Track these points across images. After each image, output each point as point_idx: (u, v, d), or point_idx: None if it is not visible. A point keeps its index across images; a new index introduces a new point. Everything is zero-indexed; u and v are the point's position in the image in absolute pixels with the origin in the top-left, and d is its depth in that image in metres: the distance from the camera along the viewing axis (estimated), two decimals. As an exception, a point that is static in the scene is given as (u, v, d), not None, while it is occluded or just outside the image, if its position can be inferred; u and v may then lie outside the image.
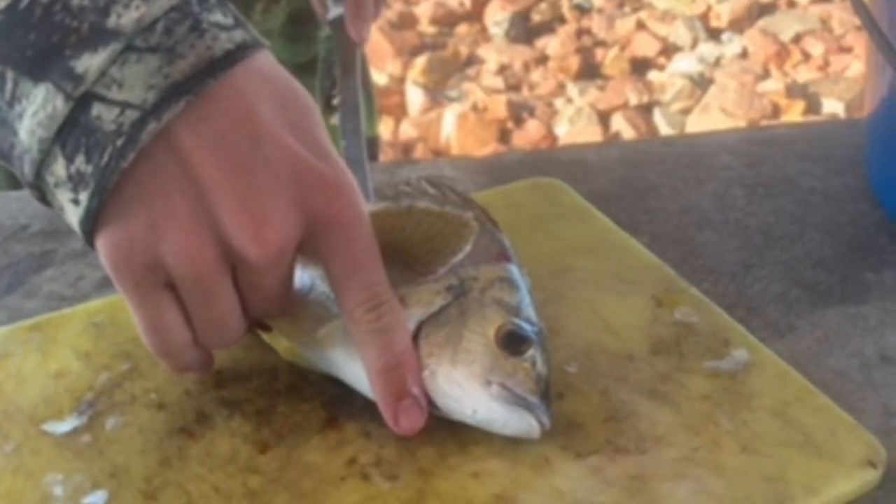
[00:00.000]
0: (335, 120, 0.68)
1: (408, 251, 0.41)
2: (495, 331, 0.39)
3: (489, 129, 2.26)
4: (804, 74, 2.41)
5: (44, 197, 0.36)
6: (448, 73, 2.46)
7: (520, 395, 0.38)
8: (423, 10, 2.69)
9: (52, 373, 0.42)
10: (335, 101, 0.68)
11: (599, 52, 2.53)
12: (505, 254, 0.43)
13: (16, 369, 0.43)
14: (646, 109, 2.33)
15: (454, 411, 0.38)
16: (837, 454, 0.39)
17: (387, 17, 2.63)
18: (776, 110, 2.27)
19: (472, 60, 2.52)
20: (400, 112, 2.35)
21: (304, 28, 0.71)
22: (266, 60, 0.36)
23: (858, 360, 0.46)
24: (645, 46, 2.54)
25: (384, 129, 2.26)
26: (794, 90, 2.34)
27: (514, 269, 0.42)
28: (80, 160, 0.33)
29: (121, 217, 0.34)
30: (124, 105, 0.33)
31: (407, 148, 2.24)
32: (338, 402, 0.41)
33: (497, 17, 2.63)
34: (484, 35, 2.62)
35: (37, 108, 0.33)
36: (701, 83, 2.38)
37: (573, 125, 2.27)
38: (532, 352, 0.39)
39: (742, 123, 2.19)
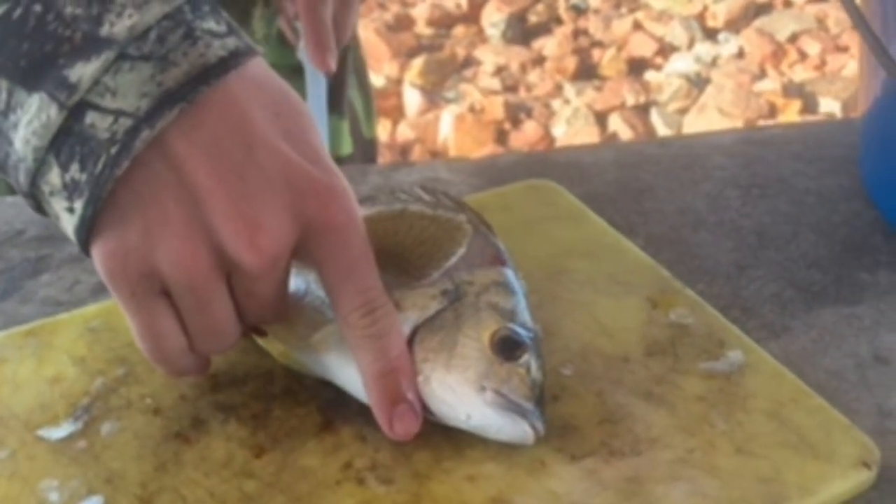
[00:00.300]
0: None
1: (401, 255, 0.41)
2: (490, 336, 0.39)
3: (486, 130, 2.26)
4: (801, 74, 2.41)
5: (39, 206, 0.36)
6: (445, 74, 2.47)
7: (514, 401, 0.38)
8: (420, 12, 2.70)
9: (48, 378, 0.42)
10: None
11: (596, 53, 2.54)
12: (500, 257, 0.43)
13: (11, 375, 0.43)
14: (643, 110, 2.33)
15: (448, 417, 0.38)
16: (832, 455, 0.39)
17: (384, 19, 2.63)
18: (773, 110, 2.28)
19: (469, 62, 2.52)
20: (397, 114, 2.35)
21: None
22: (259, 67, 0.36)
23: (853, 360, 0.46)
24: (641, 47, 2.54)
25: (382, 130, 2.26)
26: (791, 90, 2.34)
27: (509, 273, 0.42)
28: (74, 168, 0.33)
29: (116, 225, 0.34)
30: (118, 113, 0.33)
31: (404, 149, 2.24)
32: (333, 406, 0.41)
33: (493, 19, 2.63)
34: (481, 36, 2.62)
35: (31, 118, 0.33)
36: (698, 83, 2.39)
37: (570, 126, 2.27)
38: (527, 357, 0.39)
39: (739, 123, 2.19)
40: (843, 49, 2.47)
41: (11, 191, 0.62)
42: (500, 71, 2.47)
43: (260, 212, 0.34)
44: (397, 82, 2.43)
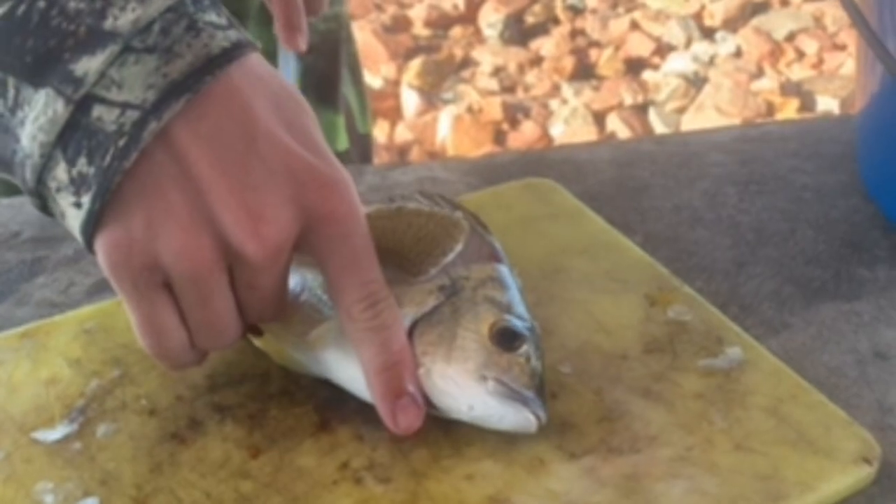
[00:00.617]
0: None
1: (399, 252, 0.41)
2: (489, 327, 0.39)
3: (485, 130, 2.26)
4: (798, 73, 2.41)
5: (45, 205, 0.36)
6: (443, 75, 2.47)
7: (515, 390, 0.38)
8: (417, 13, 2.70)
9: (44, 380, 0.42)
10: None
11: (594, 53, 2.54)
12: (496, 254, 0.43)
13: (7, 377, 0.42)
14: (641, 109, 2.33)
15: (450, 408, 0.38)
16: (832, 451, 0.39)
17: (381, 20, 2.63)
18: (771, 109, 2.28)
19: (467, 62, 2.52)
20: (395, 115, 2.35)
21: None
22: (259, 61, 0.36)
23: (852, 356, 0.46)
24: (639, 46, 2.54)
25: (380, 132, 2.26)
26: (789, 88, 2.34)
27: (504, 270, 0.42)
28: (81, 163, 0.33)
29: (120, 217, 0.34)
30: (125, 106, 0.33)
31: (403, 151, 2.24)
32: (330, 406, 0.41)
33: (491, 19, 2.63)
34: (478, 37, 2.62)
35: (38, 114, 0.33)
36: (695, 82, 2.39)
37: (568, 126, 2.27)
38: (526, 347, 0.39)
39: (737, 122, 2.19)
40: (841, 47, 2.47)
41: (7, 193, 0.62)
42: (497, 71, 2.47)
43: (263, 202, 0.34)
44: (395, 84, 2.43)
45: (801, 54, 2.48)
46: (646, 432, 0.40)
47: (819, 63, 2.45)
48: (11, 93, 0.33)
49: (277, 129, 0.35)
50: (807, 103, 2.30)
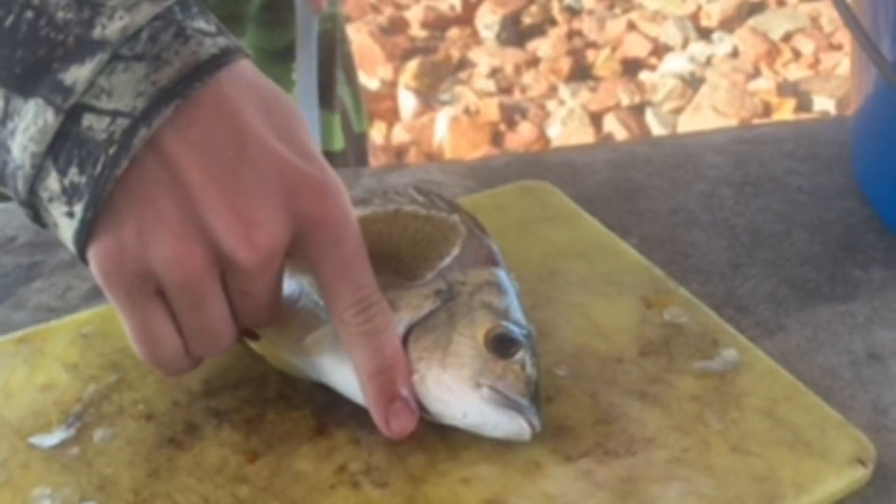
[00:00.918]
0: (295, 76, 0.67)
1: (395, 256, 0.41)
2: (484, 334, 0.39)
3: (482, 132, 2.26)
4: (795, 73, 2.42)
5: (37, 215, 0.36)
6: (440, 76, 2.47)
7: (510, 398, 0.38)
8: (414, 14, 2.70)
9: (40, 385, 0.42)
10: (294, 76, 0.67)
11: (591, 54, 2.54)
12: (493, 258, 0.43)
13: (3, 383, 0.42)
14: (638, 110, 2.33)
15: (444, 415, 0.38)
16: (827, 452, 0.39)
17: (377, 21, 2.63)
18: (767, 109, 2.28)
19: (464, 64, 2.53)
20: (392, 116, 2.35)
21: (278, 13, 0.70)
22: (249, 67, 0.36)
23: (847, 357, 0.46)
24: (636, 47, 2.55)
25: (377, 133, 2.26)
26: (785, 88, 2.35)
27: (501, 274, 0.42)
28: (73, 172, 0.33)
29: (112, 226, 0.34)
30: (115, 114, 0.33)
31: (400, 152, 2.24)
32: (327, 410, 0.41)
33: (488, 20, 2.64)
34: (475, 38, 2.63)
35: (28, 124, 0.33)
36: (692, 83, 2.39)
37: (565, 127, 2.27)
38: (521, 354, 0.39)
39: (734, 122, 2.19)
40: (837, 47, 2.48)
41: (3, 198, 0.62)
42: (494, 73, 2.47)
43: (254, 208, 0.34)
44: (392, 85, 2.43)
45: (797, 54, 2.49)
46: (642, 435, 0.40)
47: (816, 63, 2.45)
48: (1, 104, 0.33)
49: (268, 134, 0.35)
50: (803, 103, 2.30)
